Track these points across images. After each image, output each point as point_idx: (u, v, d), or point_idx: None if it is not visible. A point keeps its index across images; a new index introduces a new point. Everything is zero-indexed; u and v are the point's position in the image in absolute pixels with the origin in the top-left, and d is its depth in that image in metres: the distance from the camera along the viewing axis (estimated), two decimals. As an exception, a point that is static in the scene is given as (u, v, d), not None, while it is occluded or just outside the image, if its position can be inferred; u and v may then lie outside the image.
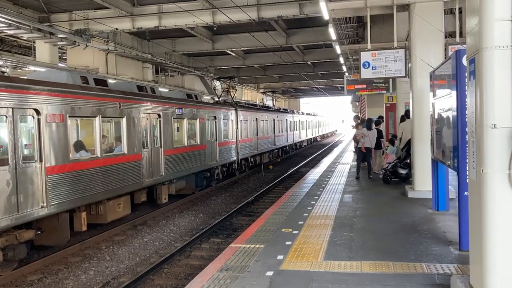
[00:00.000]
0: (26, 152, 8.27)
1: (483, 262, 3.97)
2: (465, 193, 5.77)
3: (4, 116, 7.69)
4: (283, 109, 35.99)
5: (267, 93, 43.04)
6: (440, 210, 8.65)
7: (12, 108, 7.80)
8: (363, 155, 14.32)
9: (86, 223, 10.00)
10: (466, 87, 4.81)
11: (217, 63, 28.75)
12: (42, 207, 8.36)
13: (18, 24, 14.44)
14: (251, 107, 25.86)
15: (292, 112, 36.76)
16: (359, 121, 17.31)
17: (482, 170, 3.94)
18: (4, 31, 15.46)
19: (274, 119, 28.10)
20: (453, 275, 5.01)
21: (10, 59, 16.34)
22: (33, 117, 8.37)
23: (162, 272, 8.29)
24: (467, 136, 4.90)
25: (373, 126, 14.89)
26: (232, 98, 24.38)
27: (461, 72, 5.73)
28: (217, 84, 29.88)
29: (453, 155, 6.28)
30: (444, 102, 7.00)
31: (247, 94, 42.75)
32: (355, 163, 15.46)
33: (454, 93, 6.03)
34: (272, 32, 20.01)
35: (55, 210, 8.73)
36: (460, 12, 11.83)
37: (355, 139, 15.12)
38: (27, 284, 7.86)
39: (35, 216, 8.25)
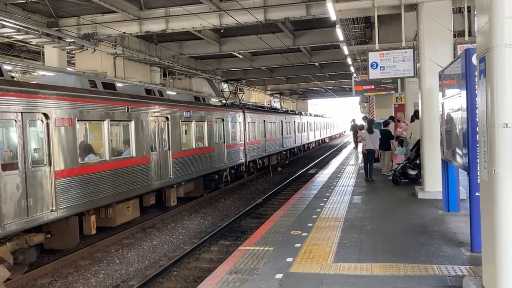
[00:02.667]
0: (35, 156, 8.31)
1: (496, 263, 3.91)
2: (476, 193, 5.69)
3: (14, 121, 7.74)
4: (291, 111, 35.95)
5: (275, 95, 43.02)
6: (451, 211, 8.56)
7: (22, 112, 7.85)
8: (367, 157, 14.13)
9: (95, 227, 10.03)
10: (476, 86, 4.75)
11: (224, 66, 28.79)
12: (51, 210, 8.39)
13: (27, 29, 14.57)
14: (258, 109, 25.85)
15: (300, 114, 36.69)
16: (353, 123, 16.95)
17: (494, 170, 3.89)
18: (14, 36, 15.59)
19: (282, 121, 28.06)
20: (465, 276, 4.95)
21: (19, 64, 16.49)
22: (42, 121, 8.41)
23: (171, 275, 8.29)
24: (477, 136, 4.84)
25: (382, 127, 14.81)
26: (240, 100, 24.38)
27: (471, 71, 5.66)
28: (225, 86, 29.91)
29: (463, 155, 6.20)
30: (454, 101, 6.92)
31: (254, 96, 42.72)
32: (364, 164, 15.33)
33: (464, 92, 5.95)
34: (279, 34, 19.99)
35: (65, 214, 8.76)
36: (469, 11, 11.74)
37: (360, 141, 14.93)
38: (38, 288, 7.90)
39: (44, 219, 8.29)
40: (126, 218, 11.11)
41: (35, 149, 8.34)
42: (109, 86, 11.09)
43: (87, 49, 17.35)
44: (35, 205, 8.01)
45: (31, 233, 8.29)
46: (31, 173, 7.97)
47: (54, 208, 8.43)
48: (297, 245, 6.85)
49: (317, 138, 45.17)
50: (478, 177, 5.01)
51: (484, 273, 4.31)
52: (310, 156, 34.37)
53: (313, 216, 8.86)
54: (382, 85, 18.51)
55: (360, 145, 15.18)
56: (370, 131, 13.88)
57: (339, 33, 13.93)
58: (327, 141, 55.86)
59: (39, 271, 8.45)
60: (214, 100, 26.63)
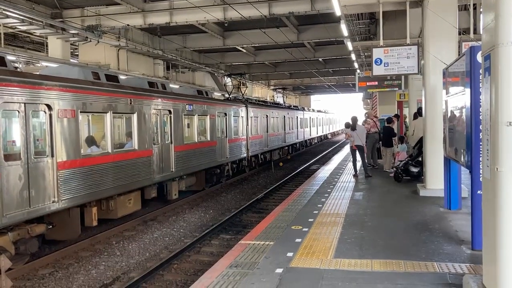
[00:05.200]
0: (37, 147, 8.32)
1: (496, 261, 3.90)
2: (478, 191, 5.68)
3: (17, 111, 7.74)
4: (294, 106, 35.90)
5: (278, 90, 42.96)
6: (452, 208, 8.55)
7: (25, 103, 7.85)
8: (355, 153, 14.13)
9: (96, 218, 10.05)
10: (481, 84, 4.73)
11: (228, 60, 28.73)
12: (53, 202, 8.42)
13: (30, 20, 14.57)
14: (261, 104, 25.82)
15: (303, 109, 36.64)
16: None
17: (497, 168, 3.87)
18: (17, 27, 15.60)
19: (284, 116, 28.03)
20: (465, 274, 4.94)
21: (23, 54, 16.48)
22: (45, 113, 8.42)
23: (172, 268, 8.32)
24: (481, 134, 4.82)
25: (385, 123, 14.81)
26: (243, 94, 24.35)
27: (475, 69, 5.64)
28: (228, 80, 29.87)
29: (466, 153, 6.19)
30: (458, 99, 6.90)
31: (257, 90, 42.68)
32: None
33: (468, 90, 5.94)
34: (283, 29, 19.93)
35: (66, 205, 8.79)
36: (475, 8, 11.66)
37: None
38: (39, 278, 7.93)
39: (46, 210, 8.31)
40: (128, 210, 11.14)
41: (37, 140, 8.35)
42: (112, 78, 11.08)
43: (90, 41, 17.34)
44: (37, 196, 8.03)
45: (33, 223, 8.32)
46: (33, 164, 7.99)
47: (56, 199, 8.46)
48: (298, 240, 6.86)
49: (320, 134, 45.14)
50: (481, 175, 5.00)
51: (485, 272, 4.31)
52: (312, 152, 34.36)
53: (314, 212, 8.87)
54: (385, 82, 18.49)
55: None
56: (352, 128, 13.83)
57: (344, 29, 13.88)
58: (329, 137, 55.83)
59: (40, 262, 8.49)
60: (217, 94, 26.56)
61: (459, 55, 9.25)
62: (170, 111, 13.10)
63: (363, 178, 13.57)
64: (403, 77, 17.64)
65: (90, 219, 9.90)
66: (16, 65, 15.05)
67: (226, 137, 17.67)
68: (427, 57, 10.03)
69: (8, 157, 7.56)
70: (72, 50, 20.64)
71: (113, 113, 10.43)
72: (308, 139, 38.11)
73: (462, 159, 6.61)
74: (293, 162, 26.76)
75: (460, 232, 7.07)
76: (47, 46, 18.48)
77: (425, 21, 10.08)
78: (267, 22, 17.78)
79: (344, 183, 12.72)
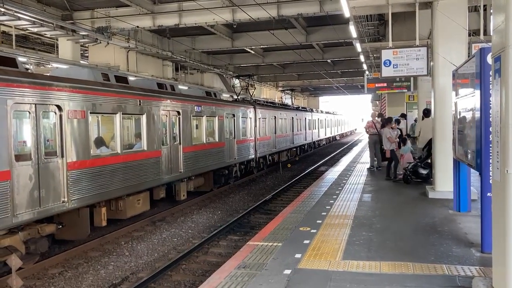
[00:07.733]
0: (48, 147, 8.40)
1: (506, 264, 3.88)
2: (488, 194, 5.65)
3: (27, 112, 7.83)
4: (302, 108, 35.85)
5: (286, 91, 42.94)
6: (462, 211, 8.50)
7: (35, 104, 7.94)
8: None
9: (106, 218, 10.12)
10: (491, 85, 4.71)
11: (236, 61, 28.80)
12: (63, 202, 8.48)
13: (41, 22, 14.72)
14: (269, 105, 25.81)
15: (311, 111, 36.57)
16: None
17: (507, 170, 3.85)
18: (28, 28, 15.76)
19: (292, 118, 28.00)
20: (475, 277, 4.92)
21: (34, 56, 16.65)
22: (55, 113, 8.49)
23: (180, 268, 8.35)
24: (490, 136, 4.80)
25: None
26: (251, 96, 24.38)
27: (485, 70, 5.60)
28: (236, 82, 29.93)
29: (476, 155, 6.15)
30: (467, 101, 6.86)
31: (266, 92, 42.71)
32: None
33: (477, 92, 5.90)
34: (291, 30, 19.95)
35: (76, 205, 8.86)
36: (485, 9, 11.59)
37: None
38: (48, 277, 8.00)
39: (56, 210, 8.38)
40: (136, 210, 11.20)
41: (48, 141, 8.43)
42: (121, 79, 11.14)
43: (100, 43, 17.48)
44: (47, 196, 8.11)
45: (43, 223, 8.40)
46: (43, 164, 8.06)
47: (65, 199, 8.53)
48: (306, 241, 6.86)
49: (328, 135, 45.00)
50: (490, 178, 4.96)
51: (494, 274, 4.29)
52: (320, 153, 34.29)
53: (323, 213, 8.86)
54: (394, 83, 18.42)
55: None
56: (381, 127, 13.94)
57: (352, 30, 13.85)
58: (338, 138, 55.67)
59: (50, 261, 8.56)
60: (225, 96, 26.65)
61: (468, 56, 9.19)
62: (178, 112, 13.15)
63: (372, 180, 13.49)
64: (412, 78, 17.56)
65: (99, 219, 9.97)
66: (27, 66, 15.18)
67: (234, 138, 17.70)
68: (436, 58, 9.99)
69: (19, 157, 7.64)
70: (82, 52, 20.82)
71: (122, 114, 10.50)
72: (316, 141, 38.03)
73: (471, 161, 6.57)
74: (301, 164, 26.72)
75: (469, 235, 7.03)
76: (57, 47, 18.65)
77: (434, 22, 10.04)
78: (276, 24, 17.80)
79: (352, 185, 12.68)
